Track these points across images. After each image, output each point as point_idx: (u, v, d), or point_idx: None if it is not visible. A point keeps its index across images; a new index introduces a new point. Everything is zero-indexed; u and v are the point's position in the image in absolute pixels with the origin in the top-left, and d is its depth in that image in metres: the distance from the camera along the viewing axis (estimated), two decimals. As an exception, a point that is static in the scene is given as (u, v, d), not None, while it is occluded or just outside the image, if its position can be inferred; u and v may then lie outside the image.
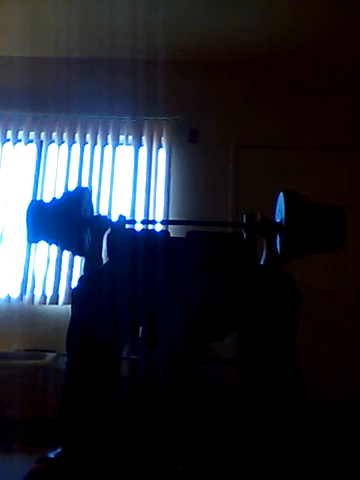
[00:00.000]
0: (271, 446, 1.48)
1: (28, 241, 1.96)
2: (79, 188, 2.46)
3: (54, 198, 2.00)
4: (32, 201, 2.04)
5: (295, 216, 1.84)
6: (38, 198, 3.37)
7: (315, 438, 2.10)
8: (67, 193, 2.10)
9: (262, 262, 1.98)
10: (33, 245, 3.32)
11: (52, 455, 1.49)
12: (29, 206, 1.92)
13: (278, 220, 1.96)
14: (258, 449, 1.48)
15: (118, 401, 1.58)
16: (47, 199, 2.00)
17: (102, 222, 2.00)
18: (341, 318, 3.23)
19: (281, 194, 1.93)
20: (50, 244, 2.02)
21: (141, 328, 1.81)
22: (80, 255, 2.11)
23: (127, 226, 2.10)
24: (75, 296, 1.67)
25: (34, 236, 1.92)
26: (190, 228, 2.10)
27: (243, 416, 1.58)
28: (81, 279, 1.77)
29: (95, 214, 2.14)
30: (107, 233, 2.00)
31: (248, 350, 1.60)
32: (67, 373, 1.58)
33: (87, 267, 1.96)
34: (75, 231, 1.88)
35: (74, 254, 2.02)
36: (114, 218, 2.05)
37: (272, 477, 1.45)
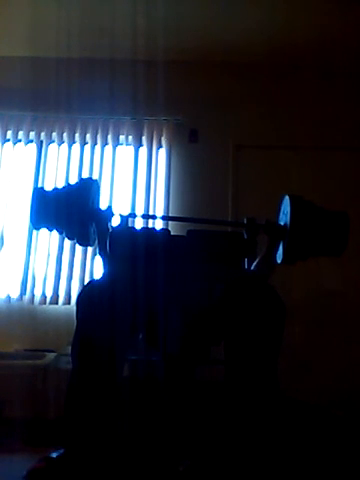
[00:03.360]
0: (249, 442, 1.48)
1: (31, 224, 1.94)
2: (89, 179, 2.43)
3: (56, 188, 1.99)
4: (37, 187, 2.02)
5: (301, 221, 1.85)
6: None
7: (304, 436, 2.11)
8: (71, 184, 2.08)
9: (254, 263, 1.99)
10: (33, 245, 3.33)
11: (54, 455, 1.49)
12: (34, 191, 1.91)
13: (282, 222, 1.96)
14: (239, 446, 1.49)
15: (120, 403, 1.59)
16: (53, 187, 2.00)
17: (108, 214, 2.00)
18: (340, 318, 3.23)
19: (287, 197, 1.93)
20: (51, 230, 1.98)
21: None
22: (83, 245, 2.11)
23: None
24: (78, 302, 1.67)
25: (37, 222, 1.90)
26: (191, 226, 2.11)
27: (224, 416, 1.58)
28: (85, 286, 1.79)
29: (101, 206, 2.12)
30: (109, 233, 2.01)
31: (229, 355, 1.59)
32: (71, 376, 1.59)
33: (103, 255, 1.98)
34: (80, 220, 1.86)
35: (78, 243, 2.01)
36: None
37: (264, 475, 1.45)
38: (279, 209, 2.02)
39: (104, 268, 2.00)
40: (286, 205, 1.93)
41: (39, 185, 3.45)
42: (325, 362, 3.13)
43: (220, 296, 1.65)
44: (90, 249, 3.21)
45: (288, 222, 1.87)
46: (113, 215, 2.01)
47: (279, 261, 1.97)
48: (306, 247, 1.88)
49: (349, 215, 1.89)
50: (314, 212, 1.88)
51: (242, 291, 1.61)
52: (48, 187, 2.02)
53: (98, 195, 2.04)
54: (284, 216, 1.95)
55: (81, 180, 2.20)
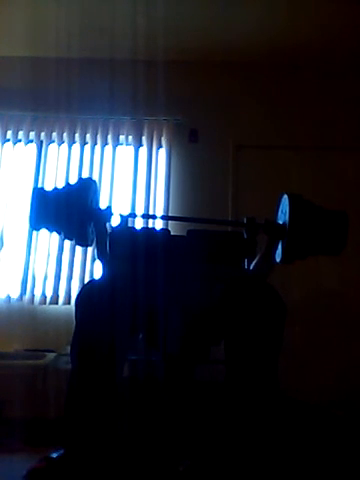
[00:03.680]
0: (249, 443, 1.48)
1: (30, 225, 1.93)
2: (87, 179, 2.43)
3: (56, 188, 1.99)
4: (36, 187, 2.01)
5: (300, 220, 1.84)
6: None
7: (304, 436, 2.11)
8: (70, 184, 2.08)
9: (254, 263, 1.99)
10: (33, 245, 3.33)
11: (54, 455, 1.49)
12: (33, 191, 1.91)
13: (281, 221, 1.96)
14: (239, 446, 1.49)
15: (120, 403, 1.59)
16: (52, 187, 1.99)
17: (107, 214, 1.99)
18: (340, 318, 3.23)
19: (286, 196, 1.92)
20: (51, 231, 1.98)
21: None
22: (81, 245, 2.10)
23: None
24: (77, 302, 1.67)
25: (36, 222, 1.90)
26: (191, 226, 2.10)
27: (224, 416, 1.58)
28: (83, 286, 1.79)
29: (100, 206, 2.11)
30: (109, 232, 2.00)
31: (230, 355, 1.59)
32: (71, 377, 1.59)
33: (100, 255, 1.97)
34: (79, 220, 1.86)
35: (76, 243, 2.00)
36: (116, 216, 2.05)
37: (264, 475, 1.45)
38: (278, 208, 2.02)
39: (103, 268, 2.00)
40: (285, 204, 1.92)
41: (39, 185, 3.45)
42: (325, 362, 3.13)
43: (220, 296, 1.65)
44: (90, 249, 3.21)
45: (287, 221, 1.86)
46: (112, 215, 2.01)
47: (278, 260, 1.97)
48: (305, 246, 1.87)
49: (348, 215, 1.89)
50: (313, 211, 1.87)
51: (242, 291, 1.61)
52: (48, 187, 2.02)
53: (97, 195, 2.04)
54: (283, 215, 1.94)
55: (79, 180, 2.19)
